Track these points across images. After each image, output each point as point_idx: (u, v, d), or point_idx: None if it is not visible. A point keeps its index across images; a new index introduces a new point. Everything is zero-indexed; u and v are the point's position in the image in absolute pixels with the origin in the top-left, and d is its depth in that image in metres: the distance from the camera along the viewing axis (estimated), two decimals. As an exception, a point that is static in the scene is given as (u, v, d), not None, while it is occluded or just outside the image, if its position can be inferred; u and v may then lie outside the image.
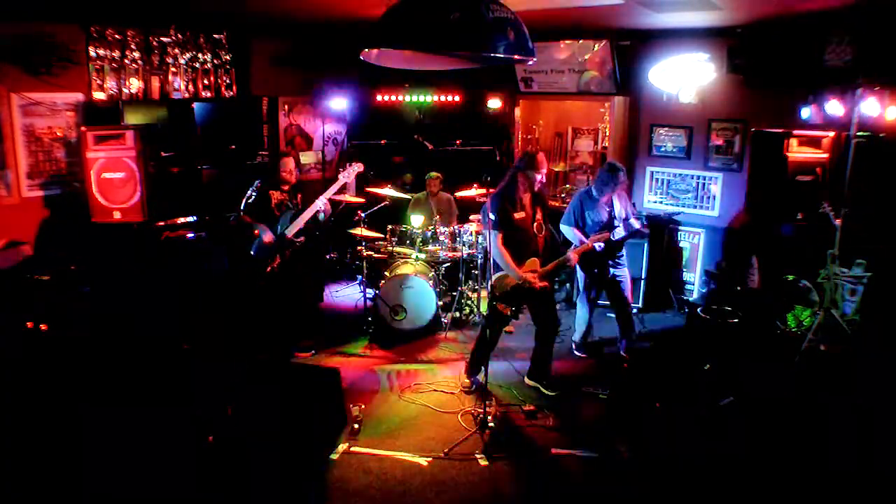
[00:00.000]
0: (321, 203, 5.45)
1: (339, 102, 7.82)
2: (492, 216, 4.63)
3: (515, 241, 4.67)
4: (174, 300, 5.75)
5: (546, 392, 5.03)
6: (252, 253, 5.47)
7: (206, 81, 6.77)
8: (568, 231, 5.36)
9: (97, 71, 6.06)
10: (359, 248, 6.35)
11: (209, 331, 5.61)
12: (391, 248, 6.43)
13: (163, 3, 5.43)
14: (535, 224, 4.76)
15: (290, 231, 5.46)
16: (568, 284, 7.21)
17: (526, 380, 5.21)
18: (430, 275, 6.23)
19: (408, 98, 8.08)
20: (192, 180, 6.60)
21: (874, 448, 4.23)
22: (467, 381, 5.15)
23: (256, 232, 5.44)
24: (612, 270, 5.45)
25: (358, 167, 5.71)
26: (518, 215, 4.69)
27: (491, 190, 4.72)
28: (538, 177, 4.66)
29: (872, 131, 5.50)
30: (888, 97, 5.28)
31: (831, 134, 5.72)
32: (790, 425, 4.54)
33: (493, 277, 4.78)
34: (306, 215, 5.46)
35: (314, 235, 5.77)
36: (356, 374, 5.41)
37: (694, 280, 7.13)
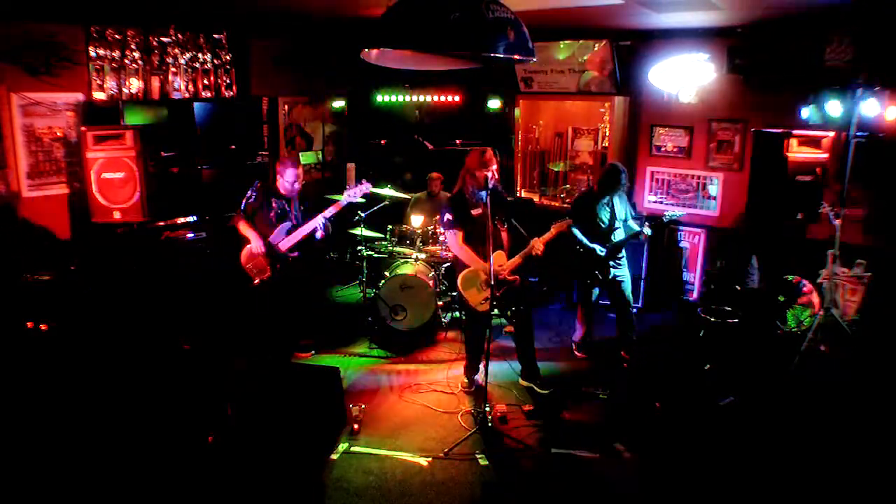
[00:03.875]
0: (320, 222, 5.17)
1: (339, 102, 7.83)
2: (448, 216, 4.73)
3: (478, 237, 4.70)
4: (174, 300, 5.76)
5: (540, 391, 5.03)
6: (240, 261, 5.21)
7: (206, 81, 6.77)
8: (572, 231, 5.36)
9: (97, 71, 6.06)
10: (359, 248, 6.34)
11: (210, 331, 5.61)
12: (391, 248, 6.43)
13: (163, 3, 5.43)
14: (496, 219, 4.77)
15: (285, 245, 5.20)
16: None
17: (520, 381, 5.21)
18: (430, 275, 6.23)
19: (408, 98, 8.08)
20: (192, 180, 6.60)
21: (874, 448, 4.23)
22: (466, 380, 5.16)
23: (248, 239, 5.15)
24: (612, 271, 5.45)
25: (366, 187, 5.37)
26: (475, 211, 4.75)
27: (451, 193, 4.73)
28: (488, 173, 4.63)
29: (872, 131, 5.50)
30: (888, 97, 5.28)
31: (831, 134, 5.72)
32: (790, 425, 4.54)
33: (459, 277, 4.80)
34: (303, 231, 5.17)
35: (311, 245, 5.56)
36: (356, 374, 5.41)
37: (694, 280, 7.13)
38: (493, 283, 4.53)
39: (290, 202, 5.31)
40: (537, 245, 4.74)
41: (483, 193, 4.61)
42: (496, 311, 4.84)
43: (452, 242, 4.82)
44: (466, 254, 4.75)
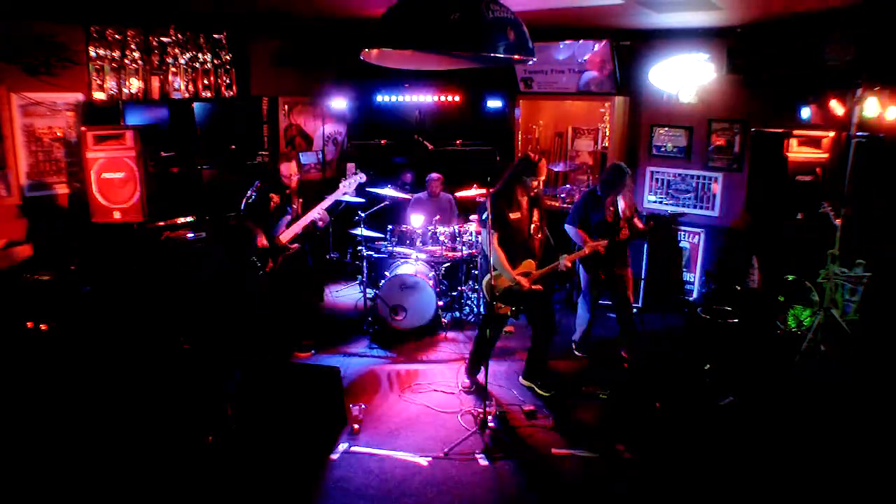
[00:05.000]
0: (318, 213, 5.31)
1: (339, 102, 7.83)
2: (489, 215, 4.65)
3: (511, 241, 4.67)
4: (174, 300, 5.75)
5: (541, 392, 5.03)
6: (248, 256, 5.32)
7: (206, 81, 6.77)
8: (571, 231, 5.37)
9: (97, 71, 6.06)
10: (359, 248, 6.35)
11: (210, 331, 5.61)
12: (391, 248, 6.43)
13: (163, 3, 5.43)
14: (532, 226, 4.76)
15: (285, 237, 5.31)
16: (568, 284, 7.21)
17: (521, 380, 5.21)
18: (430, 275, 6.23)
19: (408, 98, 8.08)
20: (192, 180, 6.60)
21: (873, 448, 4.23)
22: (467, 381, 5.15)
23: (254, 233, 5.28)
24: (614, 270, 5.45)
25: (360, 178, 5.53)
26: (514, 216, 4.70)
27: (491, 190, 4.71)
28: (536, 182, 4.65)
29: (872, 131, 5.50)
30: (888, 97, 5.28)
31: (831, 134, 5.72)
32: (790, 425, 4.54)
33: (486, 277, 4.79)
34: (302, 222, 5.32)
35: (314, 235, 5.65)
36: (356, 374, 5.40)
37: (694, 280, 7.13)
38: (493, 281, 4.53)
39: (291, 196, 5.42)
40: (565, 262, 4.76)
41: (524, 199, 4.70)
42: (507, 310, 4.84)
43: (487, 242, 4.72)
44: (499, 258, 4.63)
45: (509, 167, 4.83)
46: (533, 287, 4.70)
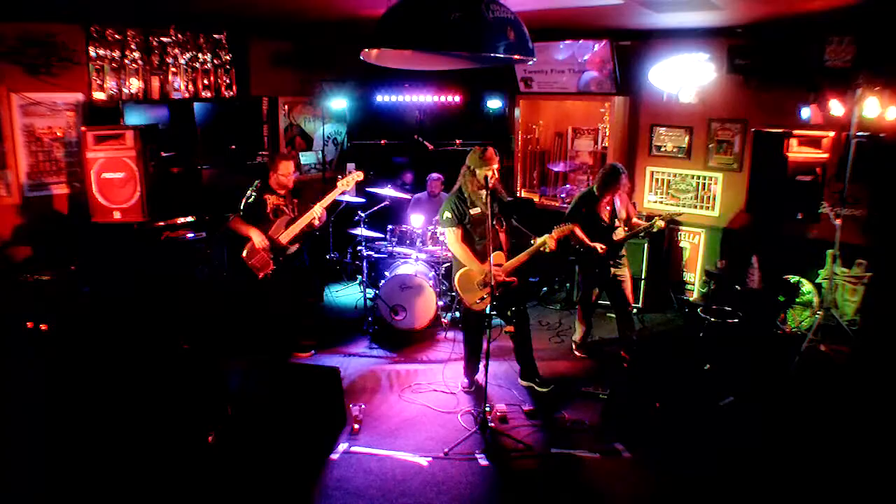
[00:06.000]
0: (318, 211, 5.24)
1: (339, 102, 7.82)
2: (447, 214, 4.72)
3: (475, 237, 4.74)
4: (174, 300, 5.76)
5: (540, 389, 5.04)
6: (243, 257, 5.26)
7: (206, 81, 6.76)
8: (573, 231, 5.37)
9: (97, 71, 6.06)
10: (359, 248, 6.35)
11: (210, 331, 5.61)
12: (391, 248, 6.43)
13: (163, 3, 5.43)
14: (494, 219, 4.75)
15: (285, 237, 5.28)
16: (568, 284, 7.22)
17: (519, 381, 5.22)
18: (430, 275, 6.23)
19: (408, 98, 8.09)
20: (192, 180, 6.60)
21: (873, 448, 4.23)
22: (467, 381, 5.15)
23: (248, 236, 5.21)
24: (612, 270, 5.46)
25: (357, 176, 5.45)
26: (474, 211, 4.74)
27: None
28: (489, 172, 4.62)
29: (872, 131, 5.50)
30: (888, 97, 5.28)
31: (831, 134, 5.72)
32: (791, 425, 4.54)
33: (455, 276, 4.80)
34: (301, 223, 5.27)
35: (312, 235, 5.64)
36: (356, 374, 5.40)
37: (694, 280, 7.13)
38: (492, 282, 4.53)
39: (287, 197, 5.39)
40: (550, 241, 4.72)
41: (483, 193, 4.62)
42: (495, 311, 4.81)
43: (450, 240, 4.82)
44: (463, 252, 4.75)
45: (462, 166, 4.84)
46: (507, 279, 4.72)
